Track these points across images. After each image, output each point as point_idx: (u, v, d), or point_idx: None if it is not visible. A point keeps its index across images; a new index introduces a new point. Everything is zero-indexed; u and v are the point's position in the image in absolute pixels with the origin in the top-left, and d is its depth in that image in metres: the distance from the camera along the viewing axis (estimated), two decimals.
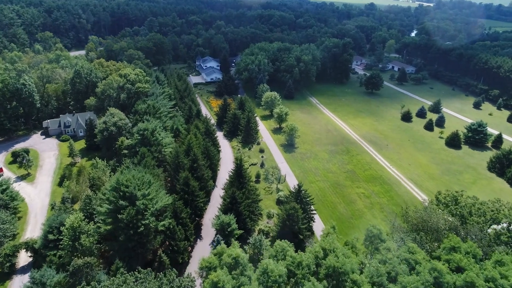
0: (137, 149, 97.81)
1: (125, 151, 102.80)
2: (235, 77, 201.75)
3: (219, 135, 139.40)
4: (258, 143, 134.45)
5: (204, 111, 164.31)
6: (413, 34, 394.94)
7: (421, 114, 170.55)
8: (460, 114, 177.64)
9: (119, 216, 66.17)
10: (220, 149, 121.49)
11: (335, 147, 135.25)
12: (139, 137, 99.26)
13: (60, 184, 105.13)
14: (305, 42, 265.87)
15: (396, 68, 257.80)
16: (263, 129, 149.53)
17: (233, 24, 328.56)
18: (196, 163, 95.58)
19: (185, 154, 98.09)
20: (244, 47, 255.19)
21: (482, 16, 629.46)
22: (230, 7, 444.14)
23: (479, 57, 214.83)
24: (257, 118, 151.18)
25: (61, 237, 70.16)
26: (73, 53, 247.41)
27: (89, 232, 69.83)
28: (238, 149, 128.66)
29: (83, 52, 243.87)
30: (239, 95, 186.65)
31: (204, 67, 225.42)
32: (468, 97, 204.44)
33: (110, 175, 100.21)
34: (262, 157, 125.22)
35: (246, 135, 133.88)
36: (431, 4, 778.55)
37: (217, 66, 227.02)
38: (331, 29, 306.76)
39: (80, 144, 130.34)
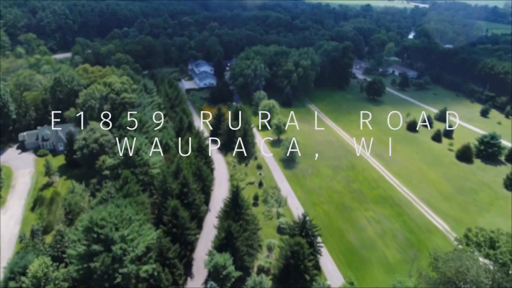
0: (120, 171, 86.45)
1: (107, 172, 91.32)
2: (229, 83, 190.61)
3: (213, 148, 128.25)
4: (256, 158, 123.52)
5: (197, 121, 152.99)
6: (411, 36, 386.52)
7: (427, 123, 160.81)
8: (468, 123, 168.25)
9: (92, 265, 54.89)
10: (213, 166, 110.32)
11: (338, 162, 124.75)
12: (122, 157, 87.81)
13: (33, 209, 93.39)
14: (302, 44, 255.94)
15: (396, 73, 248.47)
16: (261, 141, 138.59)
17: (228, 26, 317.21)
18: (187, 187, 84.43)
19: (174, 177, 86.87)
20: (239, 50, 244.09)
21: (478, 17, 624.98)
22: (225, 8, 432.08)
23: (485, 62, 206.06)
24: (254, 129, 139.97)
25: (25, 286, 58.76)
26: (59, 56, 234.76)
27: (57, 282, 58.35)
28: (234, 166, 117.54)
29: (69, 55, 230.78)
30: (234, 103, 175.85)
31: (197, 72, 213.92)
32: (474, 104, 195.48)
33: (90, 200, 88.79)
34: (260, 174, 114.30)
35: (242, 150, 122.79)
36: (426, 5, 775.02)
37: (211, 70, 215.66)
38: (328, 31, 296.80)
39: (60, 160, 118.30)
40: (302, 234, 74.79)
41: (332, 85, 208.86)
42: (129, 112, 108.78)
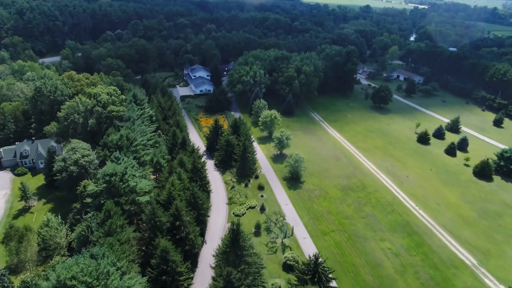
0: (102, 201, 75.09)
1: (88, 200, 79.85)
2: (227, 89, 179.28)
3: (210, 165, 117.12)
4: (257, 177, 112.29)
5: (192, 132, 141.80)
6: (412, 39, 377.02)
7: (439, 134, 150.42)
8: (481, 134, 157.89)
9: None
10: (210, 188, 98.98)
11: (347, 181, 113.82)
12: (104, 185, 76.41)
13: (4, 241, 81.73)
14: (302, 48, 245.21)
15: (401, 77, 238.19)
16: (261, 156, 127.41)
17: (225, 28, 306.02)
18: (180, 220, 73.26)
19: (165, 208, 75.61)
20: (236, 54, 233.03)
21: (478, 19, 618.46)
22: (222, 9, 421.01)
23: (496, 67, 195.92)
24: (254, 142, 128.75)
25: None
26: (48, 60, 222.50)
27: None
28: (233, 186, 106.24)
29: (59, 59, 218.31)
30: (232, 112, 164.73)
31: (193, 77, 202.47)
32: (485, 113, 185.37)
33: (68, 234, 77.36)
34: (262, 196, 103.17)
35: (242, 167, 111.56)
36: (426, 6, 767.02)
37: (207, 76, 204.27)
38: (329, 34, 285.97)
39: (40, 180, 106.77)
40: (314, 279, 63.78)
41: (335, 92, 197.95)
42: (117, 128, 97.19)
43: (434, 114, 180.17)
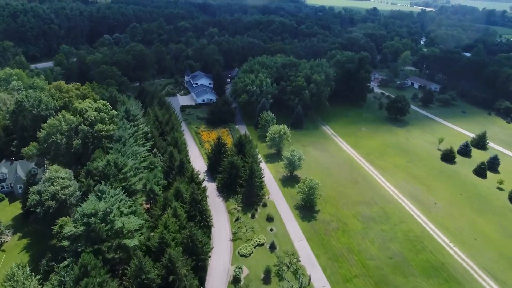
0: (79, 249, 61.69)
1: (65, 243, 66.45)
2: (231, 99, 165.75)
3: (211, 189, 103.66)
4: (265, 205, 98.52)
5: (192, 148, 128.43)
6: (422, 43, 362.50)
7: (464, 151, 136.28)
8: (508, 150, 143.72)
9: None
10: (211, 222, 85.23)
11: (368, 209, 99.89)
12: (83, 228, 62.97)
13: None
14: (310, 53, 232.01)
15: (416, 85, 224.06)
16: (269, 177, 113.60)
17: (228, 32, 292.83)
18: (174, 274, 59.65)
19: (155, 259, 62.03)
20: (240, 59, 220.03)
21: (486, 22, 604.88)
22: (224, 12, 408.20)
23: None
24: (261, 161, 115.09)
25: None
26: (41, 65, 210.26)
27: None
28: (237, 218, 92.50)
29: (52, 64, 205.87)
30: (236, 126, 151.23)
31: (194, 85, 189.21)
32: (510, 125, 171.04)
33: None
34: (271, 230, 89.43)
35: (248, 194, 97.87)
36: (432, 9, 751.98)
37: (210, 83, 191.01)
38: (338, 38, 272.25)
39: (17, 207, 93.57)
40: None
41: (347, 101, 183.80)
42: (105, 150, 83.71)
43: (454, 127, 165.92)
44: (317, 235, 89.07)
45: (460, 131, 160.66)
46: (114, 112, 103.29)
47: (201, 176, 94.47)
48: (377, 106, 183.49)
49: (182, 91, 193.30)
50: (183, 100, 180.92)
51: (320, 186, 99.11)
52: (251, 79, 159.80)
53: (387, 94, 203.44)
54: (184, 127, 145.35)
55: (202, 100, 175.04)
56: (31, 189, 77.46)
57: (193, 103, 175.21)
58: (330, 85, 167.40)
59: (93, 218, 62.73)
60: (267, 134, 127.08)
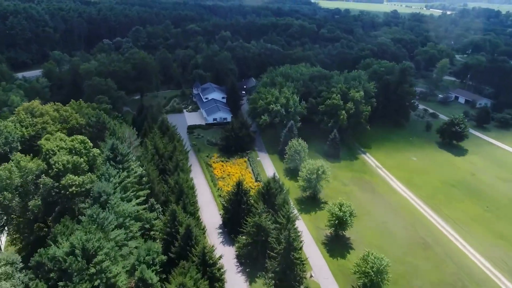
0: None
1: None
2: (248, 118, 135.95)
3: (228, 256, 74.14)
4: None
5: (203, 187, 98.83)
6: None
7: None
8: None
9: None
10: None
11: None
12: None
13: None
14: (336, 61, 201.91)
15: (461, 99, 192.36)
16: (308, 238, 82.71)
17: (241, 36, 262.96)
18: None
19: None
20: (256, 67, 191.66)
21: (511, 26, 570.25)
22: (236, 13, 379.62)
23: None
24: (298, 217, 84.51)
25: None
26: (32, 73, 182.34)
27: None
28: None
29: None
30: (258, 158, 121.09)
31: (205, 100, 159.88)
32: None
33: None
34: None
35: (282, 273, 67.56)
36: (451, 12, 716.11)
37: (223, 98, 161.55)
38: (366, 44, 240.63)
39: None
40: None
41: (386, 121, 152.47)
42: (76, 214, 54.06)
43: None
44: None
45: None
46: (96, 151, 73.90)
47: (216, 253, 64.57)
48: (423, 127, 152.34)
49: (190, 107, 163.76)
50: (191, 118, 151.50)
51: (372, 243, 68.83)
52: (274, 96, 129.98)
53: (431, 111, 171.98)
54: (192, 156, 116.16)
55: (214, 119, 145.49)
56: None
57: (203, 123, 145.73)
58: (370, 103, 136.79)
59: None
60: (300, 173, 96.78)
